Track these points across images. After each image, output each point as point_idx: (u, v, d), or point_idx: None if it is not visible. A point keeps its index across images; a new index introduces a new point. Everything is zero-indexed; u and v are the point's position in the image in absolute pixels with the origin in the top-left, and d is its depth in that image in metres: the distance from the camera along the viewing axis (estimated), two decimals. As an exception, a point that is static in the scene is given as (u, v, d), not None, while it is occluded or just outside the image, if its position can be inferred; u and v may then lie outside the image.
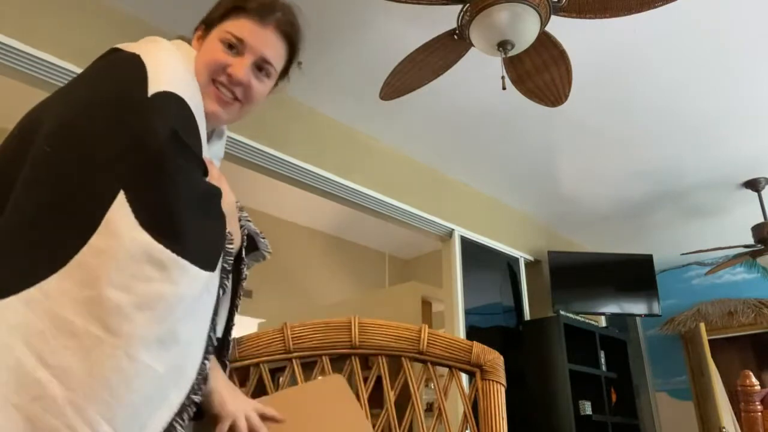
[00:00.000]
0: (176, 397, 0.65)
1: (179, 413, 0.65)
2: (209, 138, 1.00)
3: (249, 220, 1.01)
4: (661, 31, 2.62)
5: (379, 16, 2.53)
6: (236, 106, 0.96)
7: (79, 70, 2.25)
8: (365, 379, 1.11)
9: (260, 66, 0.97)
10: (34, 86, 2.29)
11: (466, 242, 3.89)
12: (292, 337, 1.10)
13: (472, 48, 2.16)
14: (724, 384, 4.48)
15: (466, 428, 1.09)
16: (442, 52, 2.25)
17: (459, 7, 2.04)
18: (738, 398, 2.31)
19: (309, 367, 1.12)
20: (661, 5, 1.98)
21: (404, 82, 2.41)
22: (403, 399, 1.09)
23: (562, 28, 2.26)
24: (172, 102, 0.77)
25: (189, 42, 1.00)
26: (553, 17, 2.04)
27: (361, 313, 1.13)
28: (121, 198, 0.66)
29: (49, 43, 2.21)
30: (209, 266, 0.71)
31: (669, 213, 4.60)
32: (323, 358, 1.11)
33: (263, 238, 1.05)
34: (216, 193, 0.80)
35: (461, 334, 3.60)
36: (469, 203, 4.10)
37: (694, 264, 5.63)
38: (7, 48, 2.09)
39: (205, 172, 0.81)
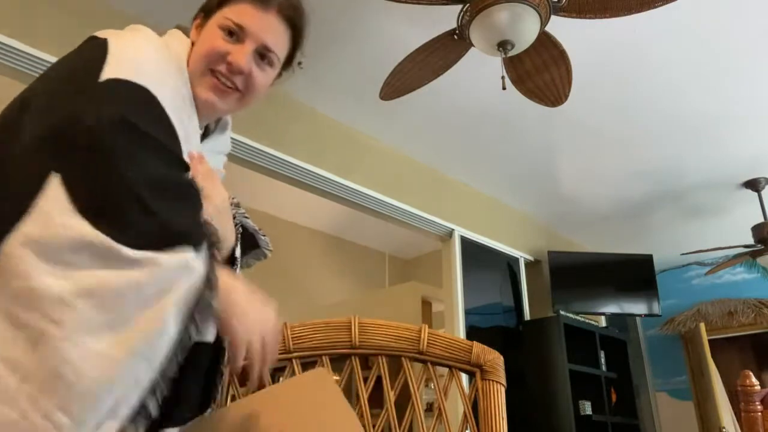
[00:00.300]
0: (146, 376, 0.61)
1: (152, 391, 0.62)
2: (208, 132, 0.97)
3: (247, 217, 0.98)
4: (661, 31, 2.62)
5: (379, 16, 2.53)
6: (235, 95, 0.92)
7: (79, 70, 2.26)
8: (365, 379, 1.11)
9: (262, 54, 0.92)
10: (34, 86, 2.29)
11: (466, 242, 3.89)
12: (292, 337, 1.10)
13: (472, 48, 2.16)
14: (724, 384, 4.48)
15: (466, 428, 1.09)
16: (442, 52, 2.25)
17: (459, 7, 2.04)
18: (738, 398, 2.31)
19: (309, 367, 1.12)
20: (661, 5, 1.98)
21: (404, 82, 2.41)
22: (403, 399, 1.09)
23: (562, 28, 2.26)
24: (123, 89, 0.71)
25: (187, 32, 0.96)
26: (553, 17, 2.04)
27: (361, 313, 1.13)
28: (55, 181, 0.61)
29: (49, 43, 2.21)
30: (164, 247, 0.64)
31: (669, 213, 4.60)
32: (323, 358, 1.11)
33: (263, 235, 1.02)
34: (182, 182, 0.74)
35: (461, 334, 3.60)
36: (469, 203, 4.10)
37: (694, 264, 5.63)
38: (7, 48, 2.09)
39: (184, 167, 0.76)
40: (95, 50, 0.75)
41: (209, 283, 0.68)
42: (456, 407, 3.19)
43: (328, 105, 3.17)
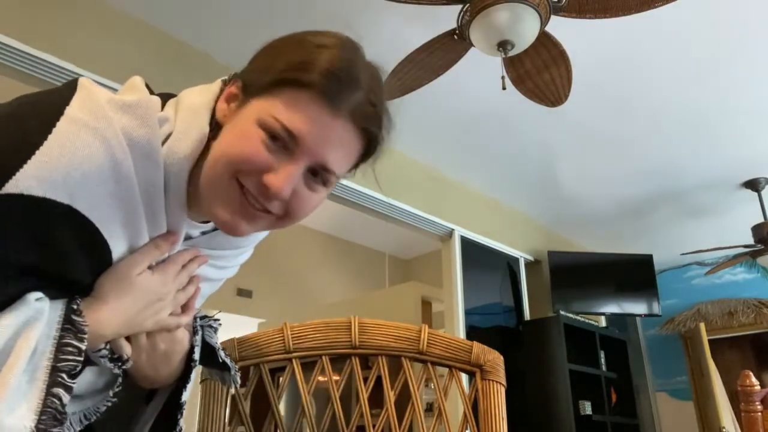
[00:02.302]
0: None
1: None
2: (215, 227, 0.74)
3: (214, 328, 0.81)
4: (661, 31, 2.62)
5: (379, 16, 2.53)
6: (268, 219, 0.67)
7: (79, 70, 2.26)
8: (365, 379, 1.11)
9: (316, 171, 0.65)
10: (34, 86, 2.29)
11: (466, 242, 3.89)
12: (292, 337, 1.10)
13: (472, 48, 2.16)
14: (724, 384, 4.48)
15: (466, 428, 1.09)
16: (442, 52, 2.25)
17: (459, 7, 2.04)
18: (738, 398, 2.31)
19: (309, 367, 1.12)
20: (661, 5, 1.98)
21: (404, 82, 2.41)
22: (403, 399, 1.09)
23: (562, 28, 2.26)
24: (14, 212, 0.54)
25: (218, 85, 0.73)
26: (553, 17, 2.04)
27: (361, 313, 1.13)
28: None
29: (49, 43, 2.21)
30: None
31: (669, 213, 4.60)
32: (323, 358, 1.11)
33: (227, 355, 0.83)
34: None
35: (461, 334, 3.60)
36: (469, 203, 4.10)
37: (694, 264, 5.63)
38: (7, 48, 2.10)
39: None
40: (34, 132, 0.55)
41: (75, 327, 0.59)
42: (456, 407, 3.19)
43: (328, 105, 3.16)
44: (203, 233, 0.74)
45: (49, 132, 0.55)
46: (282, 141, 0.62)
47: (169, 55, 2.61)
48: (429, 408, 3.93)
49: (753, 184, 4.04)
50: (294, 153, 0.63)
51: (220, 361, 0.82)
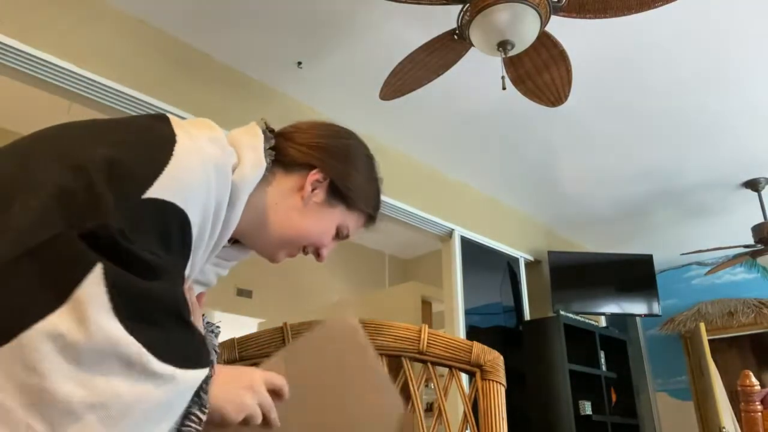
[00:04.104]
0: None
1: None
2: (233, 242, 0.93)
3: (215, 333, 0.92)
4: (661, 31, 2.62)
5: (379, 16, 2.53)
6: None
7: (78, 70, 2.26)
8: (365, 379, 1.11)
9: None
10: (34, 86, 2.29)
11: (466, 242, 3.89)
12: (292, 337, 1.10)
13: (472, 48, 2.16)
14: (724, 384, 4.47)
15: (466, 428, 1.09)
16: (442, 52, 2.25)
17: (459, 7, 2.04)
18: (738, 398, 2.31)
19: (309, 367, 1.12)
20: (661, 5, 1.98)
21: (404, 82, 2.41)
22: (403, 399, 1.09)
23: (562, 28, 2.26)
24: (159, 211, 0.66)
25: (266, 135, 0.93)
26: (553, 17, 2.04)
27: (361, 313, 1.13)
28: (98, 272, 0.56)
29: (49, 43, 2.21)
30: (190, 366, 0.62)
31: (669, 213, 4.60)
32: (323, 358, 1.11)
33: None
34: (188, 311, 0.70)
35: (461, 334, 3.60)
36: (469, 203, 4.10)
37: (694, 264, 5.63)
38: (7, 48, 2.09)
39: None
40: (158, 153, 0.69)
41: (202, 401, 0.66)
42: (456, 407, 3.19)
43: (328, 105, 3.17)
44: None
45: (171, 155, 0.69)
46: (339, 237, 0.95)
47: (169, 55, 2.61)
48: (429, 408, 3.93)
49: (753, 184, 4.04)
50: (340, 240, 0.95)
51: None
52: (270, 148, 0.89)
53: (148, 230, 0.64)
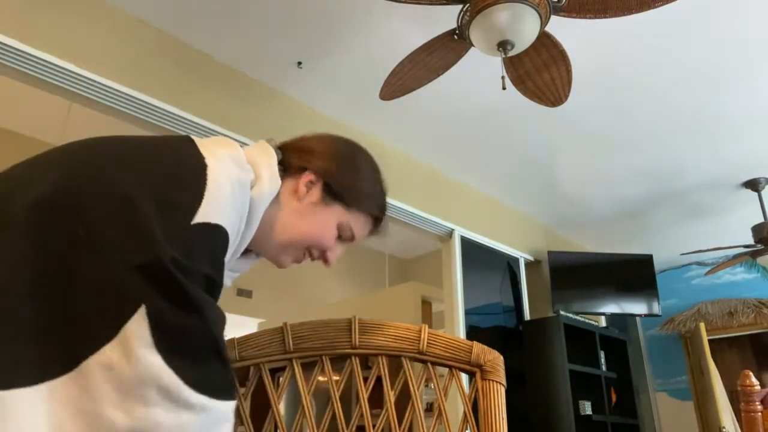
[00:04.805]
0: None
1: None
2: (241, 254, 0.97)
3: None
4: (661, 31, 2.62)
5: (379, 16, 2.53)
6: None
7: (78, 70, 2.26)
8: (365, 379, 1.11)
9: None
10: (34, 86, 2.29)
11: (466, 242, 3.89)
12: (292, 337, 1.10)
13: (472, 48, 2.16)
14: (724, 384, 4.48)
15: (466, 428, 1.09)
16: (442, 52, 2.25)
17: (459, 7, 2.04)
18: (738, 398, 2.31)
19: (309, 367, 1.12)
20: (661, 5, 1.98)
21: (404, 82, 2.41)
22: (403, 399, 1.09)
23: (562, 28, 2.26)
24: (211, 236, 0.72)
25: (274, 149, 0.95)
26: (553, 17, 2.04)
27: (361, 313, 1.13)
28: (142, 311, 0.62)
29: (49, 43, 2.21)
30: (221, 396, 0.67)
31: (669, 213, 4.60)
32: (323, 358, 1.12)
33: None
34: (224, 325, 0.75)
35: (461, 334, 3.60)
36: (469, 203, 4.10)
37: (694, 264, 5.63)
38: (7, 48, 2.09)
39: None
40: (196, 179, 0.74)
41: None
42: (456, 407, 3.19)
43: (328, 105, 3.17)
44: None
45: (206, 181, 0.74)
46: (343, 238, 0.95)
47: (169, 55, 2.61)
48: (429, 408, 3.93)
49: (753, 184, 4.05)
50: (345, 243, 0.97)
51: None
52: (279, 163, 0.92)
53: (202, 253, 0.70)
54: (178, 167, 0.75)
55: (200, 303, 0.66)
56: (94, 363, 0.60)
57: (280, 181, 0.88)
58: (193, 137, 0.82)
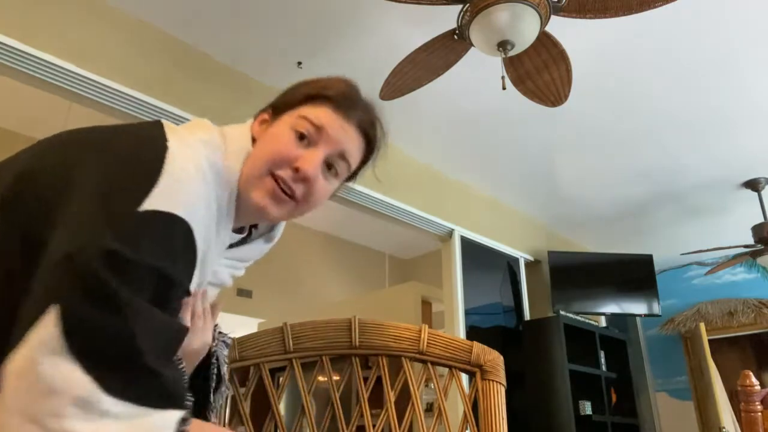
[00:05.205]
0: None
1: None
2: (245, 239, 0.89)
3: (227, 344, 0.91)
4: (661, 31, 2.62)
5: (379, 16, 2.53)
6: (290, 204, 0.81)
7: (78, 70, 2.26)
8: (365, 379, 1.11)
9: (331, 163, 0.84)
10: (34, 86, 2.29)
11: (466, 242, 3.89)
12: (292, 337, 1.10)
13: (472, 48, 2.16)
14: (724, 384, 4.48)
15: (466, 428, 1.09)
16: (442, 52, 2.25)
17: (459, 7, 2.04)
18: (738, 398, 2.31)
19: (309, 367, 1.12)
20: (661, 5, 1.98)
21: (404, 82, 2.41)
22: (403, 399, 1.09)
23: (562, 28, 2.26)
24: (160, 225, 0.64)
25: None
26: (553, 17, 2.04)
27: (361, 313, 1.13)
28: (54, 313, 0.55)
29: (49, 43, 2.21)
30: (153, 405, 0.59)
31: (669, 213, 4.60)
32: (323, 358, 1.12)
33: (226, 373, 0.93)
34: (178, 331, 0.67)
35: (461, 334, 3.60)
36: (469, 203, 4.10)
37: (694, 264, 5.63)
38: (7, 48, 2.09)
39: (184, 296, 0.70)
40: (152, 163, 0.67)
41: None
42: (456, 407, 3.19)
43: (328, 105, 3.16)
44: (231, 245, 0.86)
45: (163, 163, 0.67)
46: (307, 138, 0.82)
47: (169, 55, 2.61)
48: (429, 408, 3.93)
49: (753, 184, 4.05)
50: (318, 144, 0.82)
51: (221, 374, 0.90)
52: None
53: (151, 244, 0.62)
54: (134, 150, 0.69)
55: (123, 303, 0.58)
56: (7, 371, 0.55)
57: (248, 148, 0.82)
58: (165, 122, 0.76)
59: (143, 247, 0.61)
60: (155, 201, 0.63)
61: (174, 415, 0.60)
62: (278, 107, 0.87)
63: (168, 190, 0.65)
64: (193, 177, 0.69)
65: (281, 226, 0.94)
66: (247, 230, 0.90)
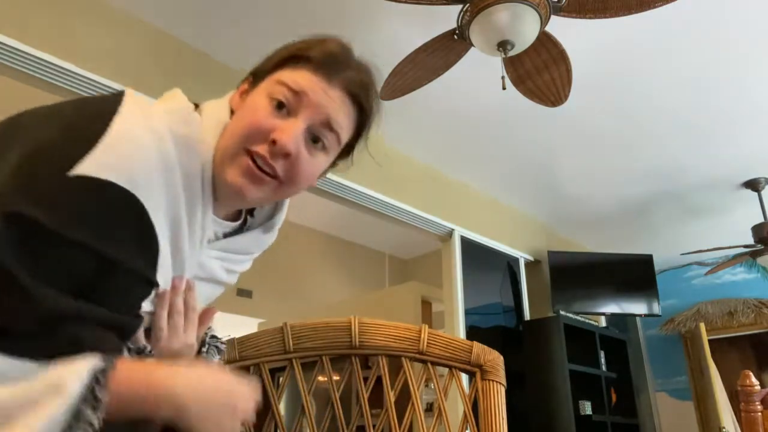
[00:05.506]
0: None
1: None
2: (239, 229, 0.80)
3: (220, 347, 0.85)
4: (661, 31, 2.62)
5: (378, 16, 2.53)
6: (272, 184, 0.71)
7: (78, 70, 2.26)
8: (365, 379, 1.11)
9: (316, 135, 0.73)
10: (34, 86, 2.29)
11: (466, 242, 3.89)
12: (292, 337, 1.10)
13: (472, 48, 2.16)
14: (724, 384, 4.48)
15: (466, 428, 1.09)
16: (442, 52, 2.25)
17: (459, 7, 2.04)
18: (738, 398, 2.31)
19: (309, 367, 1.12)
20: (661, 5, 1.98)
21: (404, 81, 2.41)
22: (403, 399, 1.09)
23: (562, 28, 2.26)
24: (90, 194, 0.57)
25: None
26: (553, 17, 2.04)
27: (361, 313, 1.13)
28: None
29: (49, 43, 2.21)
30: (48, 356, 0.52)
31: (669, 213, 4.60)
32: (323, 358, 1.12)
33: None
34: (64, 317, 0.55)
35: (461, 334, 3.60)
36: (469, 203, 4.10)
37: (694, 264, 5.63)
38: (7, 48, 2.09)
39: (146, 280, 0.63)
40: (92, 126, 0.60)
41: (93, 402, 0.52)
42: (456, 407, 3.19)
43: (328, 105, 3.16)
44: (225, 236, 0.78)
45: (108, 126, 0.60)
46: (285, 106, 0.71)
47: (168, 55, 2.61)
48: (429, 408, 3.93)
49: (753, 184, 4.04)
50: (298, 112, 0.71)
51: None
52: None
53: (82, 215, 0.56)
54: (77, 115, 0.62)
55: (26, 283, 0.51)
56: None
57: (224, 121, 0.73)
58: (130, 91, 0.69)
59: (72, 217, 0.55)
60: (87, 166, 0.56)
61: (83, 365, 0.52)
62: (257, 74, 0.76)
63: (108, 157, 0.58)
64: (143, 143, 0.61)
65: (282, 213, 0.85)
66: (242, 218, 0.81)
